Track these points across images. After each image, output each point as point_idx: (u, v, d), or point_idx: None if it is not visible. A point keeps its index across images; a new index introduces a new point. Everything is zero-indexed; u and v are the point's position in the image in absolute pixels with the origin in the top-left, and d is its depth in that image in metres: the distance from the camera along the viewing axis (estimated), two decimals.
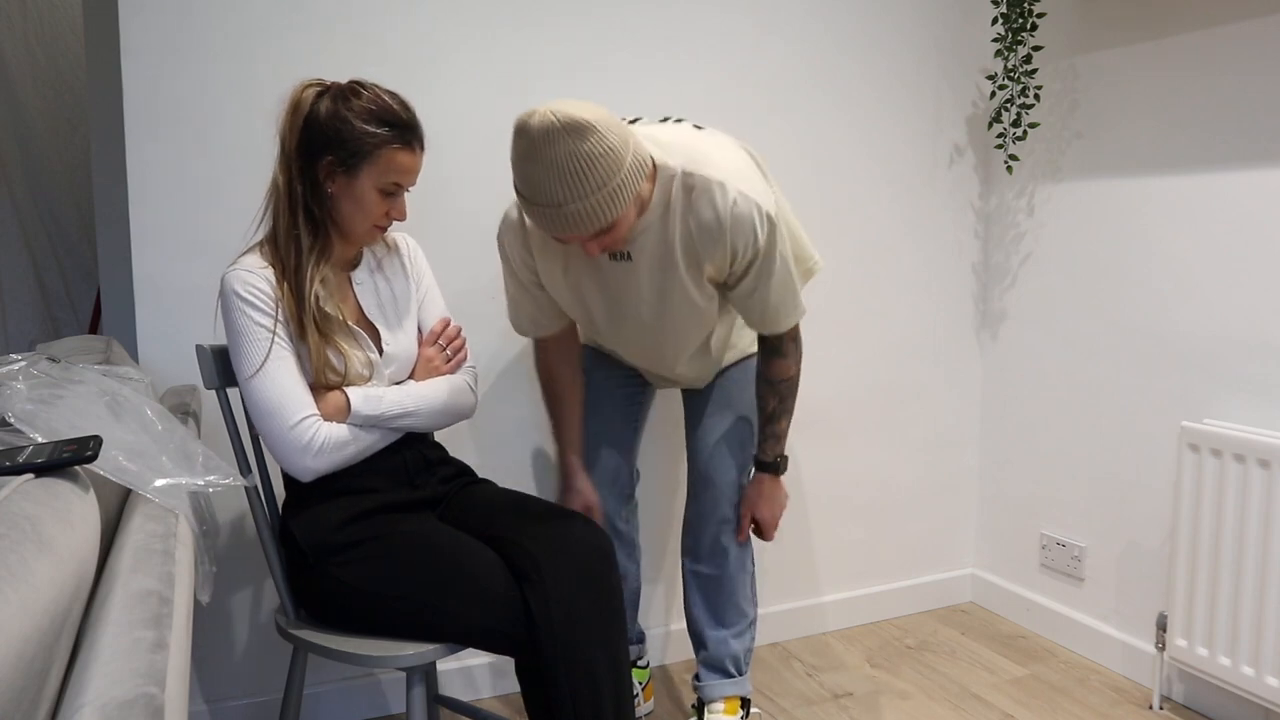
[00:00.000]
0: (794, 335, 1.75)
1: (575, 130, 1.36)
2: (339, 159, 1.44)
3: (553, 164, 1.37)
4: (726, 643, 1.89)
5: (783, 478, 1.87)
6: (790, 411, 1.81)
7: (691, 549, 1.90)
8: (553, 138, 1.36)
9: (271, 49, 1.86)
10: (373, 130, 1.43)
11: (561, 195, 1.39)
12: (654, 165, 1.56)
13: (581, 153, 1.37)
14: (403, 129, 1.45)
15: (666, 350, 1.78)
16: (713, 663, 1.90)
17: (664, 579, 2.32)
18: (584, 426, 1.90)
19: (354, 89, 1.45)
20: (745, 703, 1.92)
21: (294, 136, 1.45)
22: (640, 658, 2.10)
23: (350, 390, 1.48)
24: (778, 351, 1.75)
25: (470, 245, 2.05)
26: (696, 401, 1.93)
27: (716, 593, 1.88)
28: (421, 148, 1.50)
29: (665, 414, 2.25)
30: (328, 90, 1.46)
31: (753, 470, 1.87)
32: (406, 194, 1.53)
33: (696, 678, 1.93)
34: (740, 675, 1.90)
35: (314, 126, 1.44)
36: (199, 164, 1.83)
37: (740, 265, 1.61)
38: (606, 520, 1.93)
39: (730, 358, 1.91)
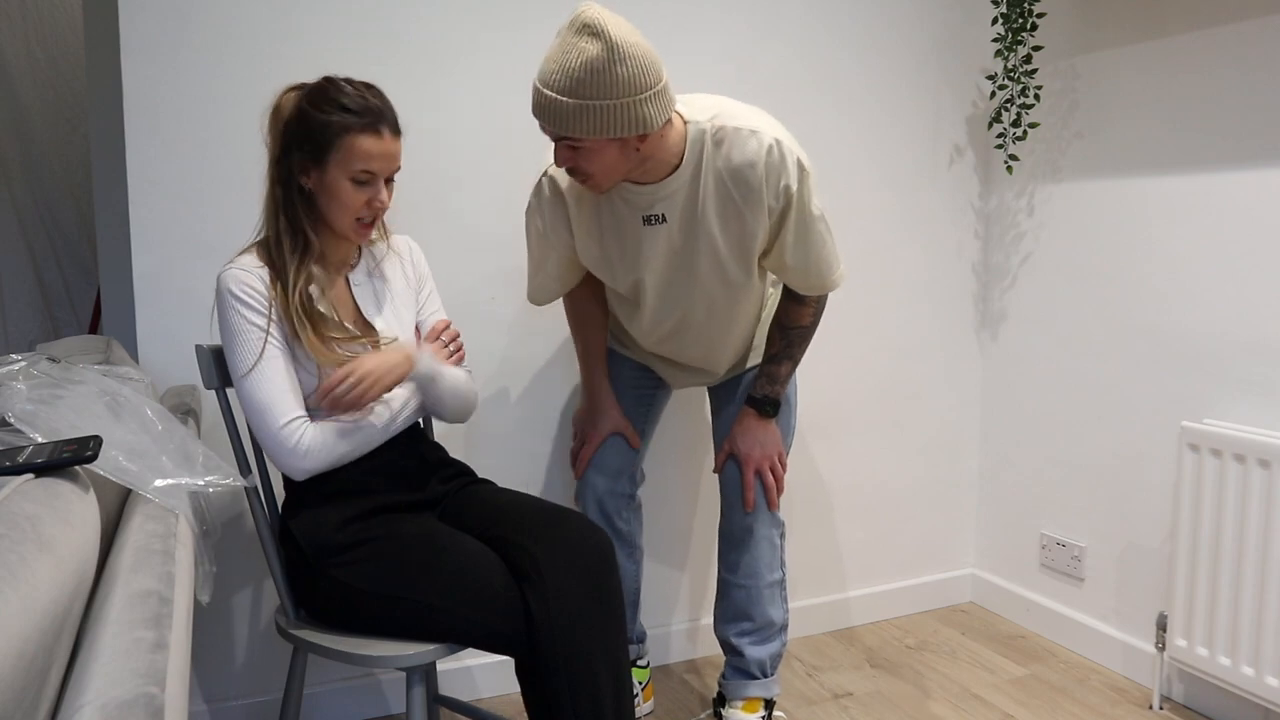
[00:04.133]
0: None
1: (605, 41, 1.40)
2: (308, 153, 1.44)
3: (567, 50, 1.42)
4: (753, 649, 1.89)
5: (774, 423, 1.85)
6: (794, 359, 1.81)
7: (723, 557, 1.92)
8: (583, 31, 1.41)
9: (272, 49, 1.85)
10: (334, 118, 1.42)
11: (552, 80, 1.44)
12: (684, 123, 1.59)
13: (592, 60, 1.40)
14: (363, 113, 1.43)
15: (691, 327, 1.78)
16: (738, 665, 1.91)
17: (666, 579, 2.32)
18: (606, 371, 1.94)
19: (322, 85, 1.45)
20: (769, 704, 1.92)
21: (275, 141, 1.47)
22: (640, 657, 2.10)
23: (366, 420, 1.50)
24: (798, 299, 1.76)
25: (472, 245, 2.05)
26: (725, 409, 1.93)
27: (744, 600, 1.88)
28: (394, 132, 1.47)
29: (672, 413, 2.25)
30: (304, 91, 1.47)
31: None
32: (396, 186, 1.52)
33: (723, 675, 1.94)
34: (766, 677, 1.91)
35: (288, 127, 1.45)
36: (199, 164, 1.83)
37: (776, 217, 1.61)
38: (606, 520, 1.93)
39: (754, 359, 1.91)
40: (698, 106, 1.62)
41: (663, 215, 1.63)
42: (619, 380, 1.95)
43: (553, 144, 1.54)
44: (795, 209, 1.61)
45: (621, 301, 1.85)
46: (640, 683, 2.05)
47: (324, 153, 1.43)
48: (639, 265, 1.70)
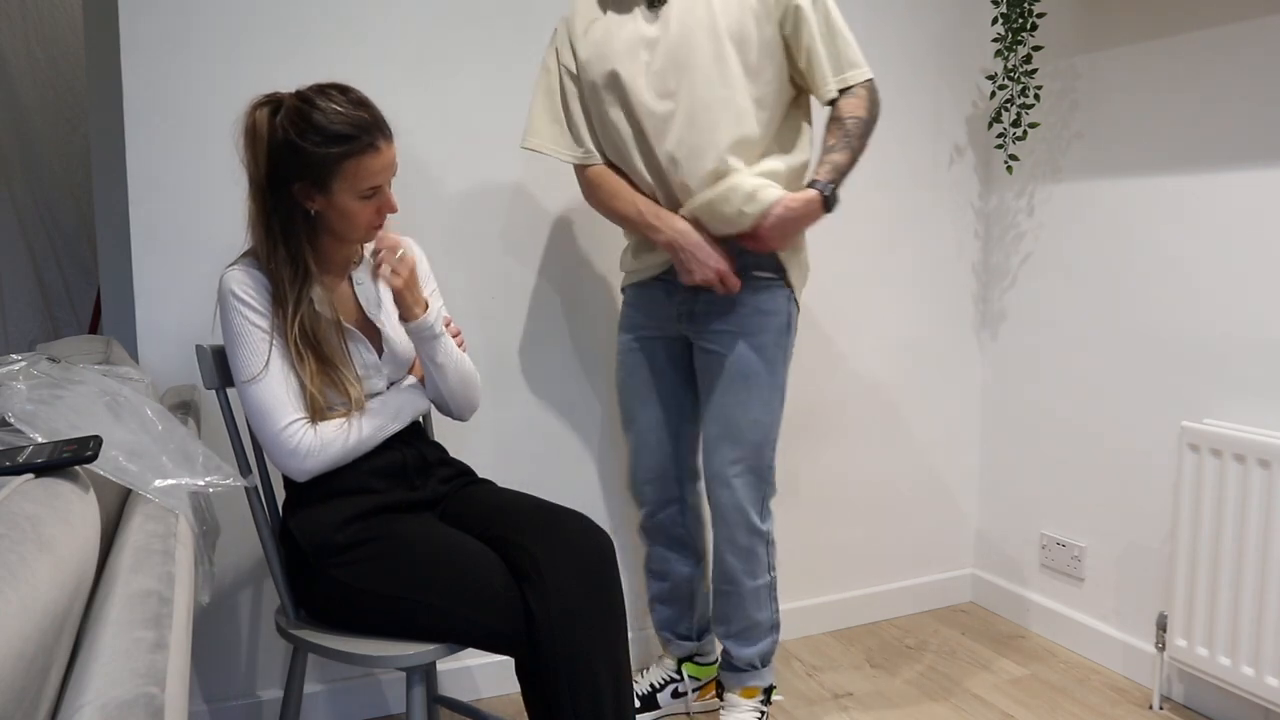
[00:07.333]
0: (868, 87, 1.75)
1: None
2: (309, 182, 1.42)
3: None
4: (740, 650, 1.91)
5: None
6: (853, 150, 1.74)
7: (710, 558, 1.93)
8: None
9: (272, 48, 1.85)
10: (331, 150, 1.39)
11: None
12: None
13: None
14: (358, 136, 1.40)
15: (683, 143, 1.69)
16: (729, 662, 1.94)
17: None
18: (637, 420, 1.92)
19: (301, 110, 1.40)
20: (768, 689, 1.95)
21: (259, 167, 1.43)
22: (704, 653, 2.08)
23: (365, 420, 1.50)
24: (850, 93, 1.74)
25: (472, 245, 2.05)
26: (705, 390, 1.83)
27: (727, 603, 1.89)
28: (388, 139, 1.45)
29: None
30: (279, 109, 1.42)
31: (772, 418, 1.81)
32: (395, 185, 1.51)
33: (720, 665, 1.97)
34: (759, 669, 1.93)
35: (276, 155, 1.41)
36: (199, 164, 1.83)
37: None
38: (662, 531, 1.96)
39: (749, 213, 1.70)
40: None
41: None
42: (652, 362, 1.89)
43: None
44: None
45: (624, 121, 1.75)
46: (700, 680, 2.06)
47: (327, 181, 1.42)
48: (635, 61, 1.70)
